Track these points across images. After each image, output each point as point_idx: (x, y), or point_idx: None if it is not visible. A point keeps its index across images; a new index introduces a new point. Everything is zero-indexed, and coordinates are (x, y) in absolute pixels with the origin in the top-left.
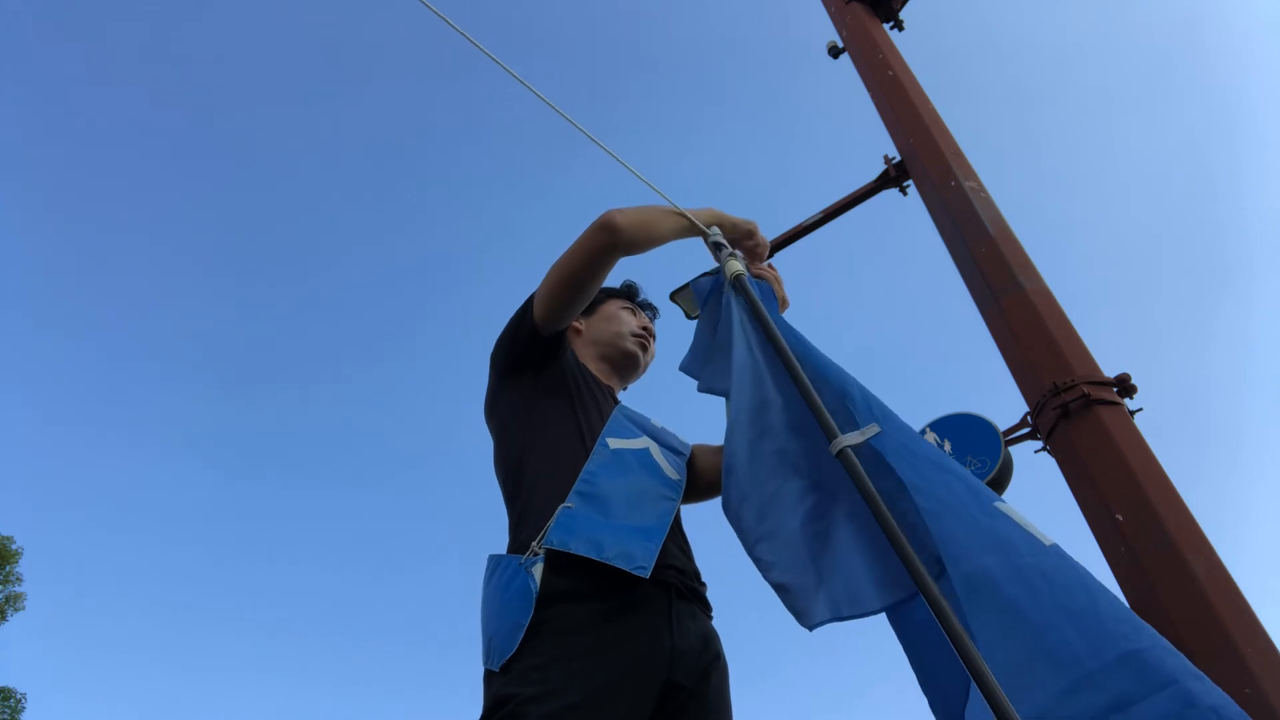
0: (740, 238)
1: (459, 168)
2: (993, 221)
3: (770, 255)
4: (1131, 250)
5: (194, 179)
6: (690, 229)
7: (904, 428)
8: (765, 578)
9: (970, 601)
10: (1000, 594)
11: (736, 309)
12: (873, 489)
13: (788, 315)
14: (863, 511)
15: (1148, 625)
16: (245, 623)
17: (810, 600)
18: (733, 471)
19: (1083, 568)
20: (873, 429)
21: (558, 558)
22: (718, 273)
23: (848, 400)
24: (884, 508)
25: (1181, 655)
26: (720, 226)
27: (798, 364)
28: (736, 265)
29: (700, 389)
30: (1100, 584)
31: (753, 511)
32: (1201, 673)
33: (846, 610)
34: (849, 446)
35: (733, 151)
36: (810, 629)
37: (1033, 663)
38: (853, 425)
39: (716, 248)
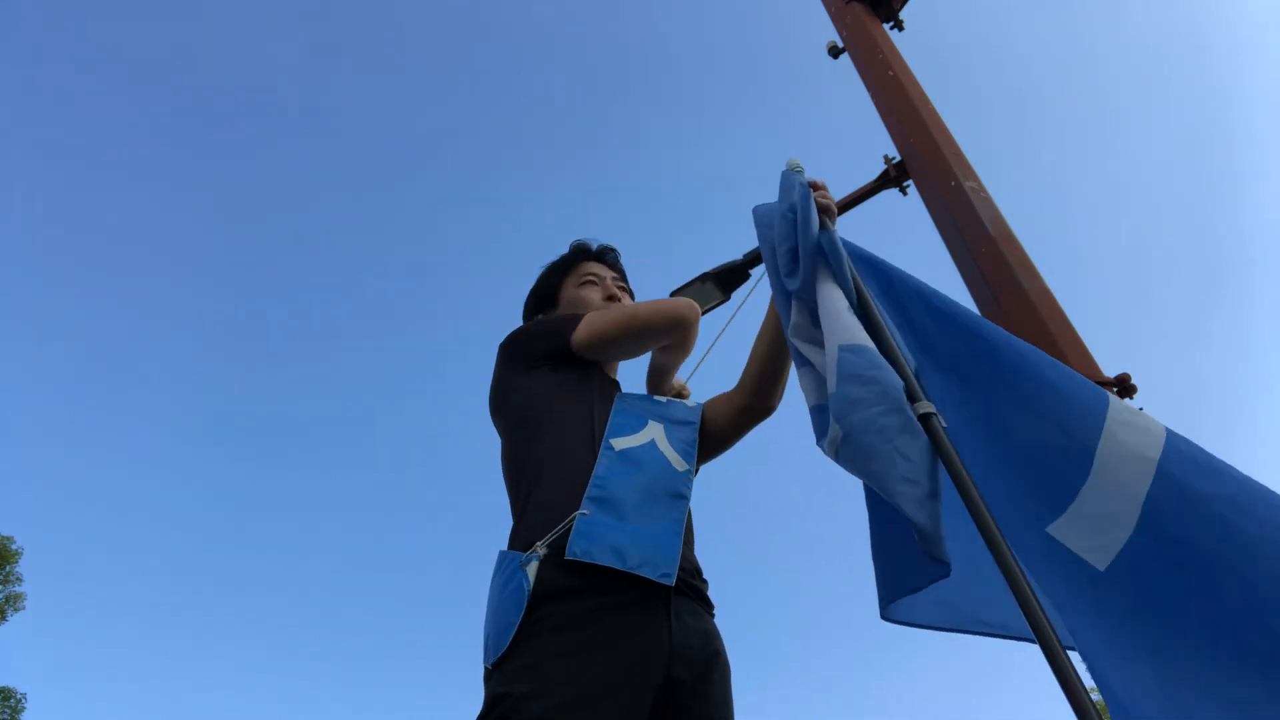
0: None
1: (456, 167)
2: (993, 221)
3: None
4: (1131, 250)
5: (196, 175)
6: None
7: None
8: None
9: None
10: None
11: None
12: (960, 464)
13: None
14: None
15: None
16: (246, 620)
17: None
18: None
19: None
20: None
21: (570, 563)
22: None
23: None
24: (971, 485)
25: None
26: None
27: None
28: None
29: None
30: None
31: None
32: None
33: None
34: (935, 415)
35: (733, 151)
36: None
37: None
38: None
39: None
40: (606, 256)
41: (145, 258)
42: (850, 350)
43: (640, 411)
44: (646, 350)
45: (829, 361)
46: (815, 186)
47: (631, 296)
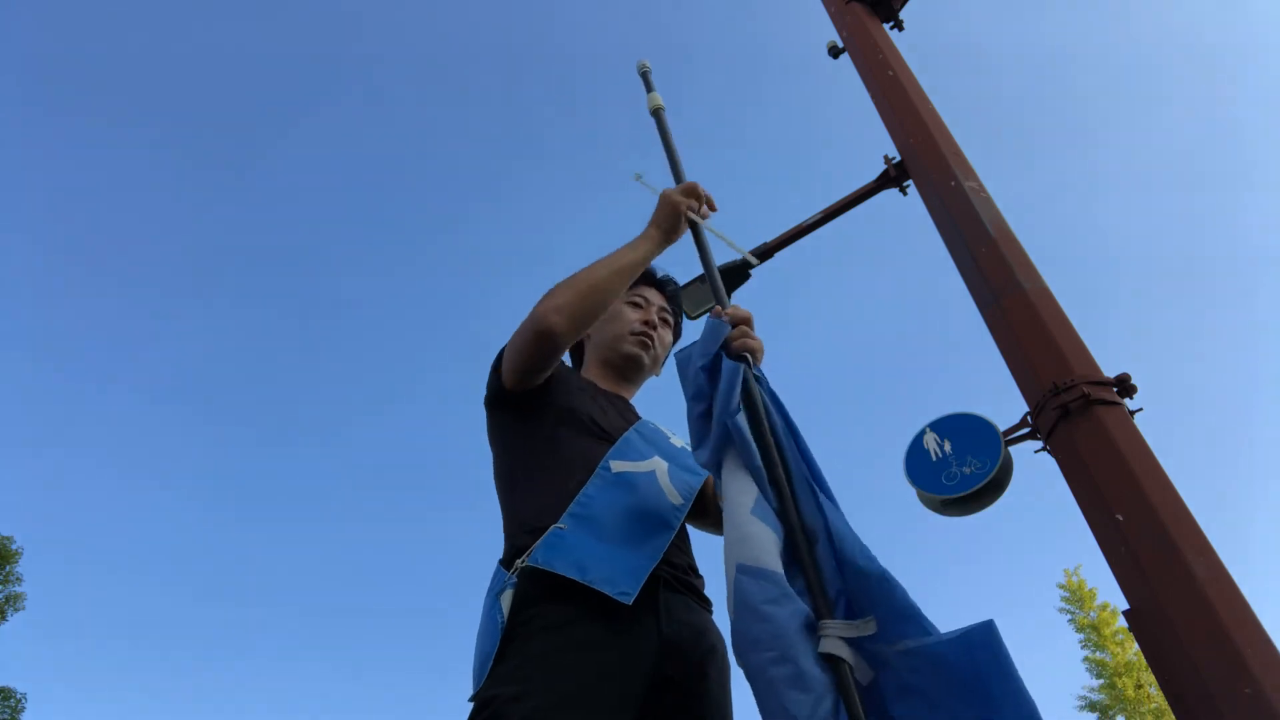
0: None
1: (467, 183)
2: (993, 221)
3: (770, 255)
4: (1131, 250)
5: (194, 198)
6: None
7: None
8: None
9: None
10: None
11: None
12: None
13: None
14: None
15: None
16: (247, 619)
17: None
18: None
19: None
20: (869, 625)
21: (540, 574)
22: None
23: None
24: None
25: None
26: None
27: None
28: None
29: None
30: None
31: None
32: None
33: None
34: (841, 637)
35: (732, 151)
36: None
37: None
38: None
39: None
40: (665, 286)
41: (144, 256)
42: (748, 574)
43: (652, 444)
44: (551, 365)
45: (727, 580)
46: (740, 321)
47: (670, 329)
